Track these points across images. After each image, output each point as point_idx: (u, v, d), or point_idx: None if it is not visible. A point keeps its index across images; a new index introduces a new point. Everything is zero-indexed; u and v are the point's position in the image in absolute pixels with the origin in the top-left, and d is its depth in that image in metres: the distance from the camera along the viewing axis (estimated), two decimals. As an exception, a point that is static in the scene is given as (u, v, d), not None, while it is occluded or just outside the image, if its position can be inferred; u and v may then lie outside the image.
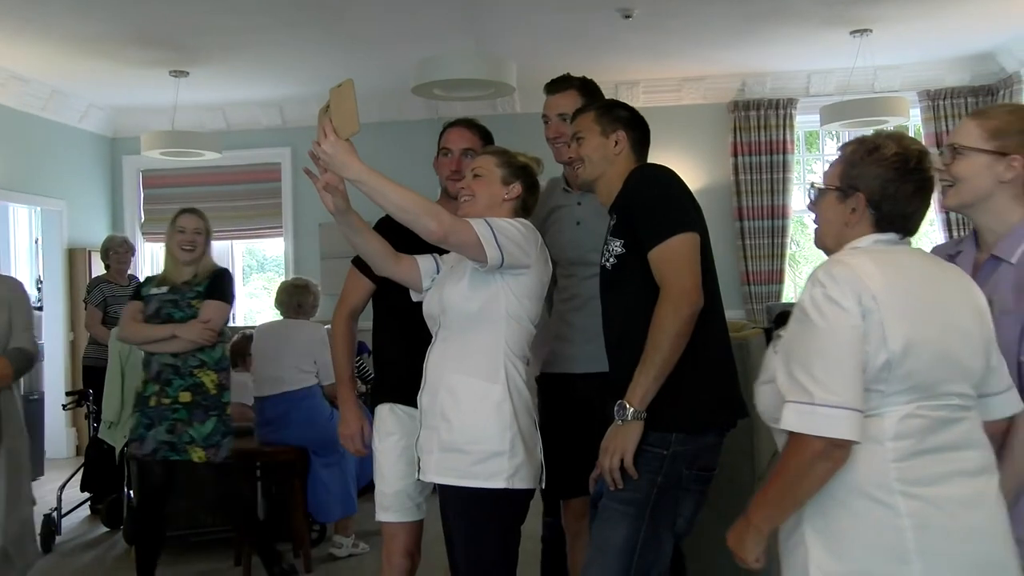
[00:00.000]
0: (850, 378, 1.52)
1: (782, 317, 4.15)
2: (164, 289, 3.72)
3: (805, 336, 1.57)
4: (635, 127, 2.38)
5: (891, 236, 1.70)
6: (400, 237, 2.37)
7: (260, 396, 4.44)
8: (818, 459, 1.52)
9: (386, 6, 5.18)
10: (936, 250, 2.10)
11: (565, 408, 2.61)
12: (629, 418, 2.11)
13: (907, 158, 1.67)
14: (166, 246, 3.88)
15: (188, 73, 6.39)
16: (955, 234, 6.76)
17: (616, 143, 2.34)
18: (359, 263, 2.69)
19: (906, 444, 1.55)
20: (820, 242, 1.78)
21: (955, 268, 1.79)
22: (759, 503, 1.63)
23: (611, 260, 2.27)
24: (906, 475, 1.54)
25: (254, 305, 8.64)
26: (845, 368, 1.52)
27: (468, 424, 2.25)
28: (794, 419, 1.54)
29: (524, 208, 2.44)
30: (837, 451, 1.52)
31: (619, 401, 2.13)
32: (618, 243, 2.24)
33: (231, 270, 7.89)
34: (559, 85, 2.81)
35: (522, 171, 2.42)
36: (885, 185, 1.66)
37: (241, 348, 5.12)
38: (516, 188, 2.40)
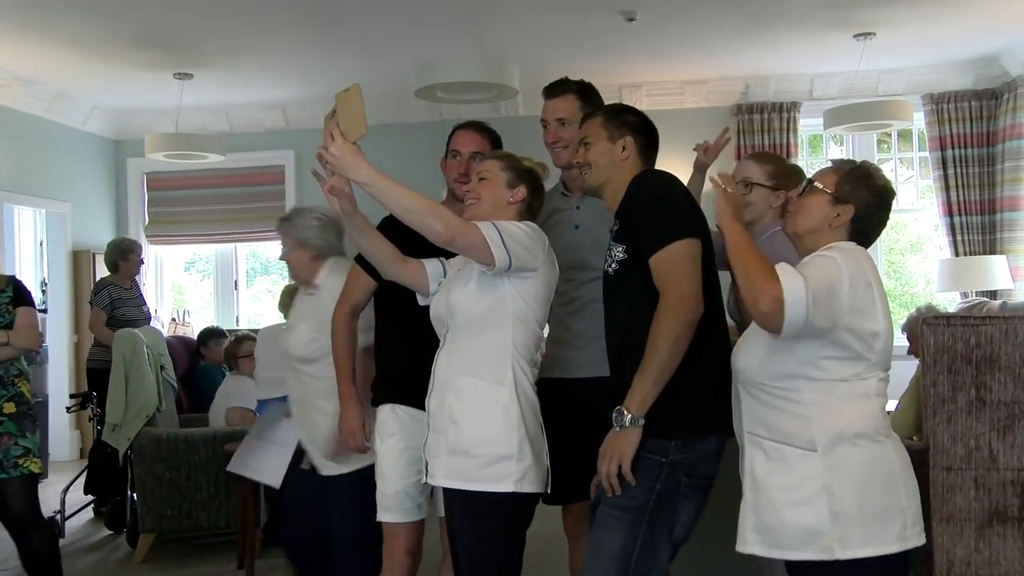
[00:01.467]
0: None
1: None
2: None
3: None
4: (643, 132, 2.38)
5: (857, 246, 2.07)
6: (404, 238, 2.38)
7: (262, 399, 4.43)
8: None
9: (389, 8, 5.19)
10: None
11: (564, 413, 2.61)
12: (627, 424, 2.11)
13: (889, 192, 2.09)
14: None
15: (192, 76, 6.40)
16: (959, 238, 6.77)
17: (623, 148, 2.34)
18: (363, 260, 2.69)
19: (881, 400, 2.05)
20: (793, 226, 2.12)
21: None
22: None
23: (613, 265, 2.27)
24: (887, 422, 2.05)
25: (257, 308, 8.65)
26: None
27: (476, 427, 2.26)
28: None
29: (529, 211, 2.45)
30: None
31: (617, 407, 2.13)
32: (620, 248, 2.25)
33: (235, 273, 8.01)
34: (557, 89, 2.82)
35: (527, 175, 2.43)
36: (869, 207, 2.07)
37: (235, 351, 5.13)
38: (521, 191, 2.41)
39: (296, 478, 3.27)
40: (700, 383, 2.17)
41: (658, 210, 2.19)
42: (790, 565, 2.05)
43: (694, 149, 3.01)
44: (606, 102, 2.75)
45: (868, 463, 1.99)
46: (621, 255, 2.24)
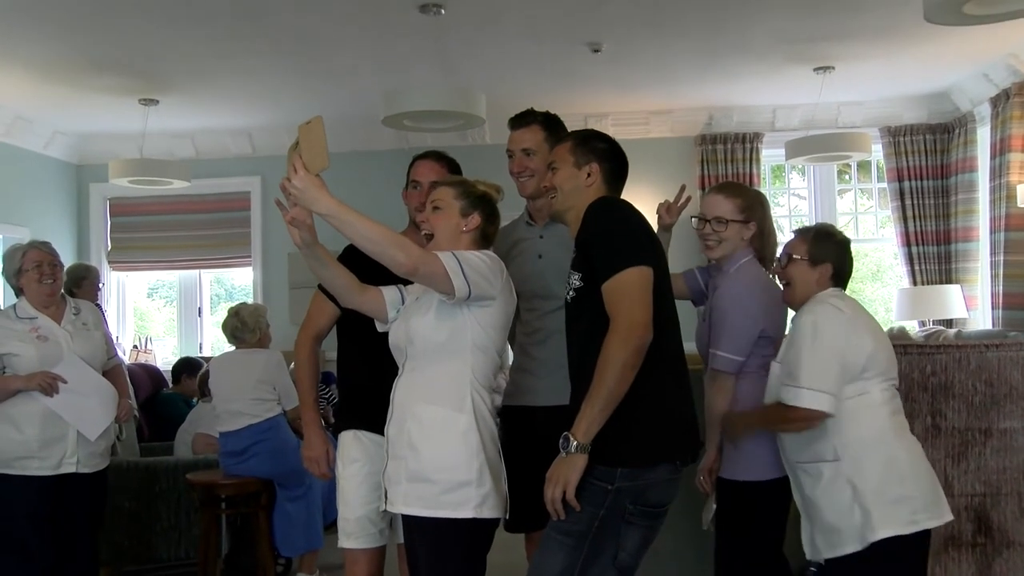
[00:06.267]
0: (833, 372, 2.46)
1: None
2: None
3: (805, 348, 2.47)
4: (610, 159, 2.40)
5: (840, 289, 2.63)
6: (364, 267, 2.39)
7: (224, 431, 4.38)
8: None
9: (356, 35, 5.22)
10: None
11: (527, 440, 2.62)
12: (572, 450, 2.13)
13: (848, 242, 2.67)
14: None
15: (158, 101, 6.37)
16: (916, 268, 6.91)
17: (588, 175, 2.36)
18: (323, 287, 2.70)
19: (888, 407, 2.50)
20: (793, 302, 2.64)
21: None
22: (757, 419, 2.63)
23: (571, 293, 2.30)
24: (895, 425, 2.50)
25: (222, 335, 8.55)
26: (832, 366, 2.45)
27: (435, 453, 2.27)
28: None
29: (484, 237, 2.46)
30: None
31: (564, 432, 2.15)
32: (577, 276, 2.27)
33: (199, 298, 7.93)
34: (522, 120, 2.85)
35: (480, 201, 2.44)
36: (840, 258, 2.63)
37: (207, 379, 5.07)
38: (475, 219, 2.42)
39: None
40: (651, 411, 2.19)
41: (610, 237, 2.22)
42: (832, 561, 2.49)
43: (657, 212, 3.05)
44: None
45: (879, 460, 2.44)
46: (578, 283, 2.26)
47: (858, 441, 2.45)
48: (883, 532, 2.39)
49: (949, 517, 2.49)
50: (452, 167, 2.85)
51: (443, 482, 2.25)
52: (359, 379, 2.74)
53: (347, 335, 2.81)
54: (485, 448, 2.29)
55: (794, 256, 2.62)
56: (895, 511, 2.41)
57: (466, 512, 2.24)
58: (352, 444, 2.69)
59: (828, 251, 2.61)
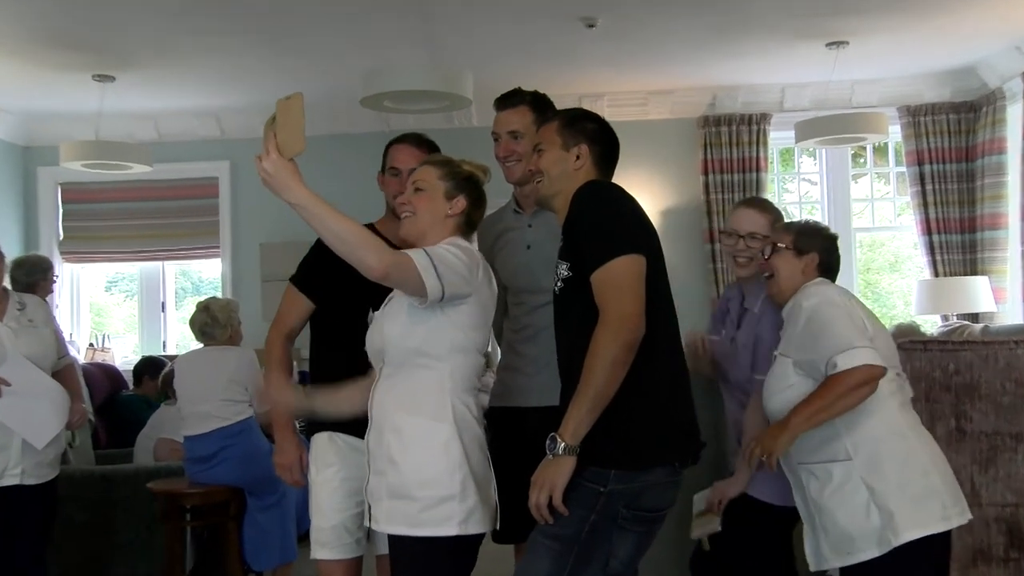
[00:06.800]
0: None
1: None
2: None
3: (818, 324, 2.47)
4: (600, 141, 2.39)
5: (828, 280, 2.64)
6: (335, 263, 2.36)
7: (189, 435, 4.35)
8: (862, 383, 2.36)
9: (334, 9, 5.17)
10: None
11: (516, 444, 2.61)
12: (560, 452, 2.12)
13: (836, 237, 2.71)
14: None
15: (114, 78, 6.29)
16: (938, 258, 6.93)
17: (577, 158, 2.34)
18: (299, 281, 2.67)
19: (896, 398, 2.49)
20: (779, 295, 2.64)
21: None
22: (800, 414, 2.40)
23: (559, 284, 2.29)
24: (906, 418, 2.50)
25: (188, 331, 8.51)
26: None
27: (416, 467, 2.26)
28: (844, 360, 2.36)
29: (469, 223, 2.44)
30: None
31: (552, 433, 2.14)
32: (565, 266, 2.26)
33: (162, 293, 7.88)
34: (510, 100, 2.83)
35: (466, 183, 2.42)
36: (827, 250, 2.66)
37: (172, 379, 5.03)
38: (460, 202, 2.40)
39: None
40: (645, 409, 2.18)
41: (599, 224, 2.20)
42: (847, 570, 2.43)
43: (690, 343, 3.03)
44: (563, 113, 2.77)
45: (896, 455, 2.41)
46: (566, 273, 2.25)
47: (871, 436, 2.42)
48: (909, 534, 2.34)
49: (968, 516, 2.45)
50: (432, 151, 2.83)
51: (425, 498, 2.23)
52: (335, 376, 2.71)
53: (321, 331, 2.79)
54: (469, 458, 2.27)
55: (779, 245, 2.63)
56: (923, 508, 2.37)
57: (450, 529, 2.23)
58: (326, 447, 2.68)
59: (814, 241, 2.64)
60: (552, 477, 2.12)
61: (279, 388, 2.67)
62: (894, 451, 2.42)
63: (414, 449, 2.26)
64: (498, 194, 2.90)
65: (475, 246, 2.49)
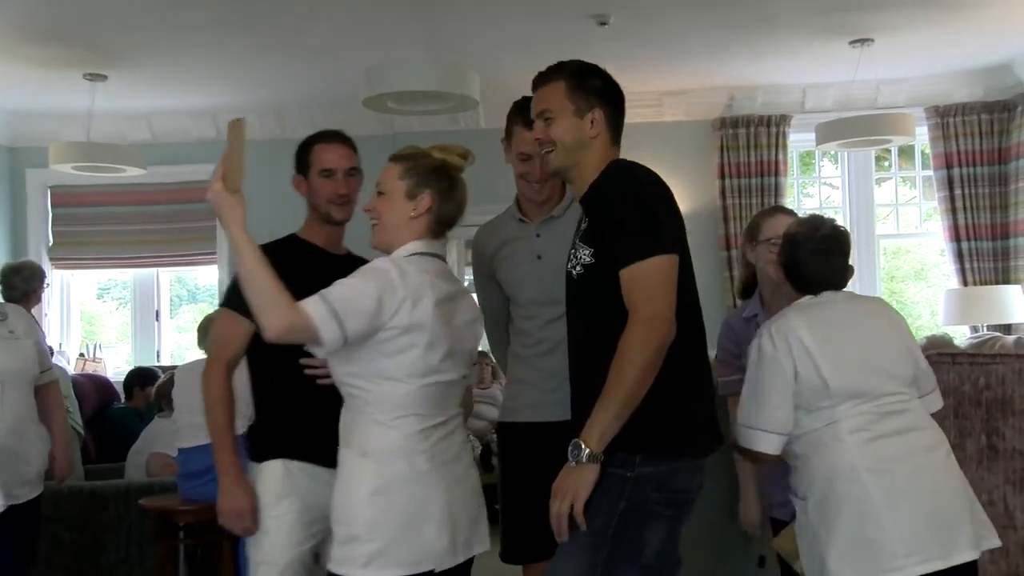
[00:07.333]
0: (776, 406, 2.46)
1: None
2: None
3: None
4: (610, 99, 2.32)
5: (820, 296, 2.55)
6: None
7: (184, 447, 4.34)
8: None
9: (335, 5, 5.18)
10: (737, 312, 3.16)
11: (528, 461, 2.58)
12: (584, 460, 2.08)
13: (823, 240, 2.60)
14: None
15: (106, 77, 6.31)
16: (967, 266, 6.88)
17: (592, 123, 2.26)
18: (237, 304, 2.47)
19: (859, 436, 2.37)
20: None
21: (873, 299, 2.78)
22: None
23: (578, 269, 2.25)
24: (869, 457, 2.35)
25: (183, 340, 8.53)
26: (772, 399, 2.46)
27: (336, 500, 2.26)
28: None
29: (440, 222, 2.34)
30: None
31: (574, 439, 2.10)
32: (587, 252, 2.22)
33: (157, 300, 7.90)
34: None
35: (431, 176, 2.31)
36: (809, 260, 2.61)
37: (167, 389, 5.03)
38: (424, 200, 2.30)
39: None
40: (672, 396, 2.15)
41: (634, 217, 2.16)
42: None
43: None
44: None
45: (843, 500, 2.34)
46: (588, 259, 2.22)
47: (822, 475, 2.39)
48: None
49: (970, 555, 2.30)
50: (354, 151, 2.78)
51: (337, 534, 2.24)
52: (283, 399, 2.63)
53: (267, 350, 2.65)
54: (388, 495, 2.19)
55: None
56: (856, 564, 2.30)
57: (351, 571, 2.18)
58: (279, 476, 2.57)
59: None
60: (575, 486, 2.09)
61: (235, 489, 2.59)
62: (841, 495, 2.35)
63: (339, 481, 2.26)
64: (497, 200, 2.87)
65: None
